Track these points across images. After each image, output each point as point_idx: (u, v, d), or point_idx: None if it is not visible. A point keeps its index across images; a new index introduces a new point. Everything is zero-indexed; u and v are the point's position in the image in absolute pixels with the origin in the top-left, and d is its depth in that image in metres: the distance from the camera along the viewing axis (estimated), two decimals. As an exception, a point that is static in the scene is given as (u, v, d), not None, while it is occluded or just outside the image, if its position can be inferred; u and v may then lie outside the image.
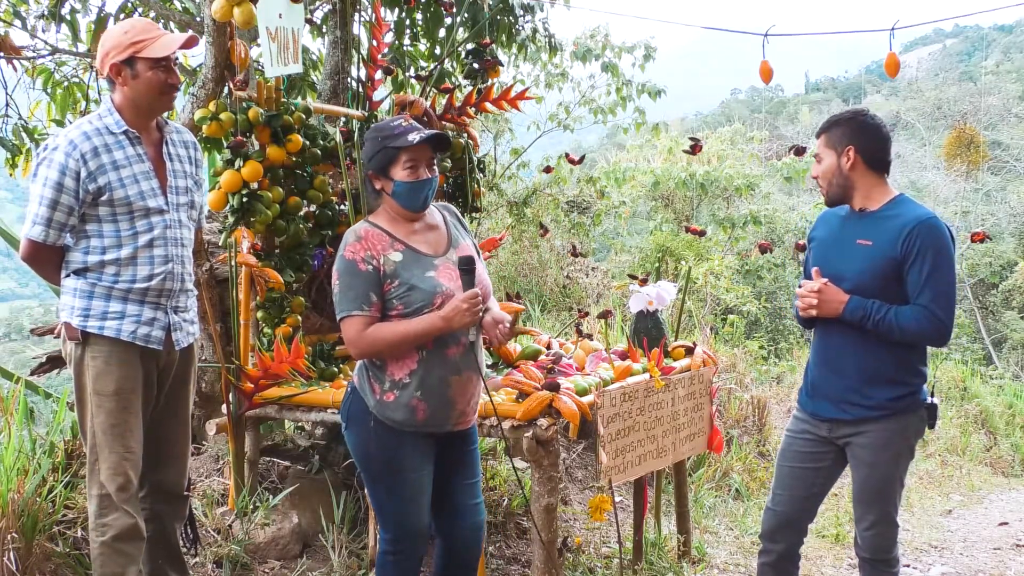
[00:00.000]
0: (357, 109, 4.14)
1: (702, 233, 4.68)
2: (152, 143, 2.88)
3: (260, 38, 3.54)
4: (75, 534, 3.34)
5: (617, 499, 4.45)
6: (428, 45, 6.07)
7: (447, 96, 4.37)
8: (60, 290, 2.87)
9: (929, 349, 2.95)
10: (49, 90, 6.04)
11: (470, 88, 4.45)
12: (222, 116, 3.50)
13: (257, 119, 3.55)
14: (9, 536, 3.07)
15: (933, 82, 38.76)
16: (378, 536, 2.85)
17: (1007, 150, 28.63)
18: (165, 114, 2.96)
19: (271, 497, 3.74)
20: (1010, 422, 9.88)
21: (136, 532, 2.79)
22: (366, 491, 3.06)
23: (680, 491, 4.26)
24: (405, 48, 5.99)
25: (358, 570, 3.60)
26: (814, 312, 2.87)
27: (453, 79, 5.46)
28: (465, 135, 4.45)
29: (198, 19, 5.10)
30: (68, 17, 5.78)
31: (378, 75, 4.08)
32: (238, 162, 3.50)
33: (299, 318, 3.75)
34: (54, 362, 4.09)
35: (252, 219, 3.52)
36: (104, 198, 2.72)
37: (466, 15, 5.28)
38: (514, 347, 4.03)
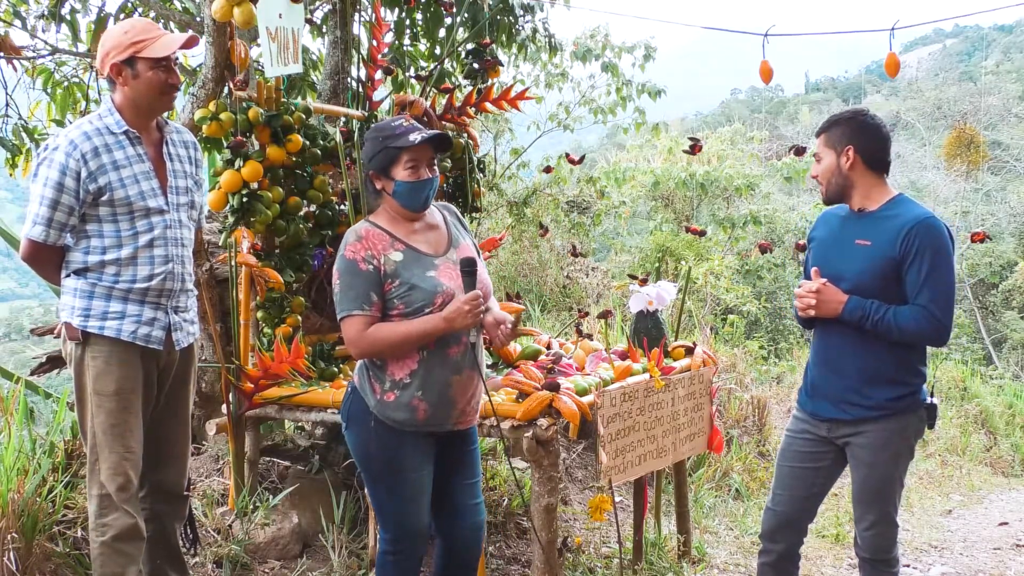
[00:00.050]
0: (357, 109, 4.14)
1: (702, 233, 4.68)
2: (152, 143, 2.88)
3: (260, 38, 3.54)
4: (75, 534, 3.34)
5: (617, 499, 4.44)
6: (428, 45, 6.07)
7: (447, 96, 4.37)
8: (60, 290, 2.87)
9: (929, 349, 2.95)
10: (49, 90, 6.04)
11: (470, 88, 4.45)
12: (222, 116, 3.50)
13: (257, 119, 3.55)
14: (9, 536, 3.07)
15: (933, 82, 38.75)
16: (378, 536, 2.85)
17: (1007, 150, 28.62)
18: (165, 114, 2.96)
19: (271, 497, 3.74)
20: (1010, 422, 9.87)
21: (136, 532, 2.79)
22: (366, 491, 3.06)
23: (680, 491, 4.26)
24: (405, 48, 5.99)
25: (358, 570, 3.60)
26: (813, 312, 2.87)
27: (453, 79, 5.46)
28: (465, 135, 4.45)
29: (198, 19, 5.10)
30: (68, 17, 5.78)
31: (378, 75, 4.08)
32: (238, 162, 3.50)
33: (299, 318, 3.75)
34: (54, 362, 4.09)
35: (252, 219, 3.52)
36: (104, 198, 2.72)
37: (466, 15, 5.28)
38: (514, 347, 4.03)
